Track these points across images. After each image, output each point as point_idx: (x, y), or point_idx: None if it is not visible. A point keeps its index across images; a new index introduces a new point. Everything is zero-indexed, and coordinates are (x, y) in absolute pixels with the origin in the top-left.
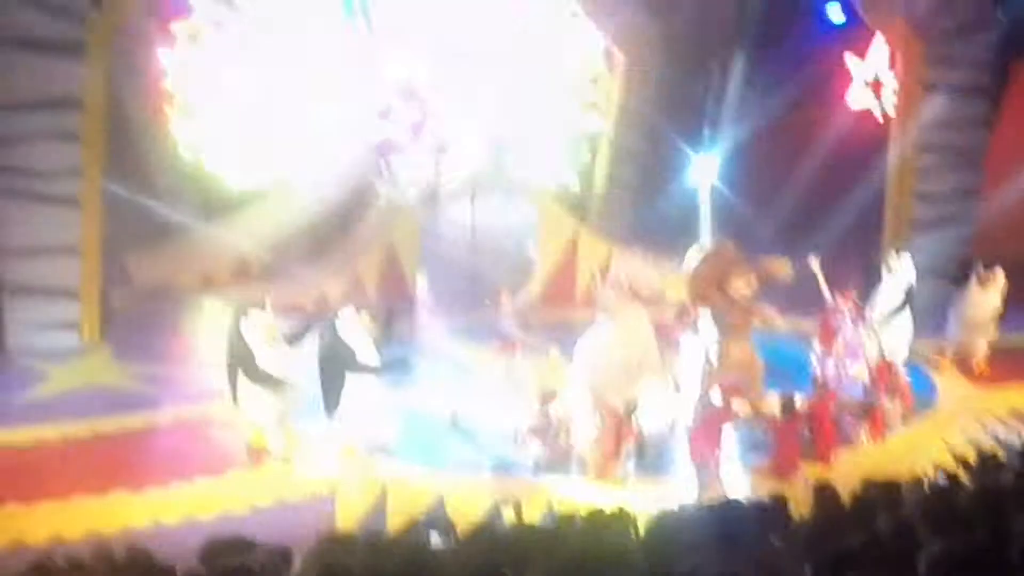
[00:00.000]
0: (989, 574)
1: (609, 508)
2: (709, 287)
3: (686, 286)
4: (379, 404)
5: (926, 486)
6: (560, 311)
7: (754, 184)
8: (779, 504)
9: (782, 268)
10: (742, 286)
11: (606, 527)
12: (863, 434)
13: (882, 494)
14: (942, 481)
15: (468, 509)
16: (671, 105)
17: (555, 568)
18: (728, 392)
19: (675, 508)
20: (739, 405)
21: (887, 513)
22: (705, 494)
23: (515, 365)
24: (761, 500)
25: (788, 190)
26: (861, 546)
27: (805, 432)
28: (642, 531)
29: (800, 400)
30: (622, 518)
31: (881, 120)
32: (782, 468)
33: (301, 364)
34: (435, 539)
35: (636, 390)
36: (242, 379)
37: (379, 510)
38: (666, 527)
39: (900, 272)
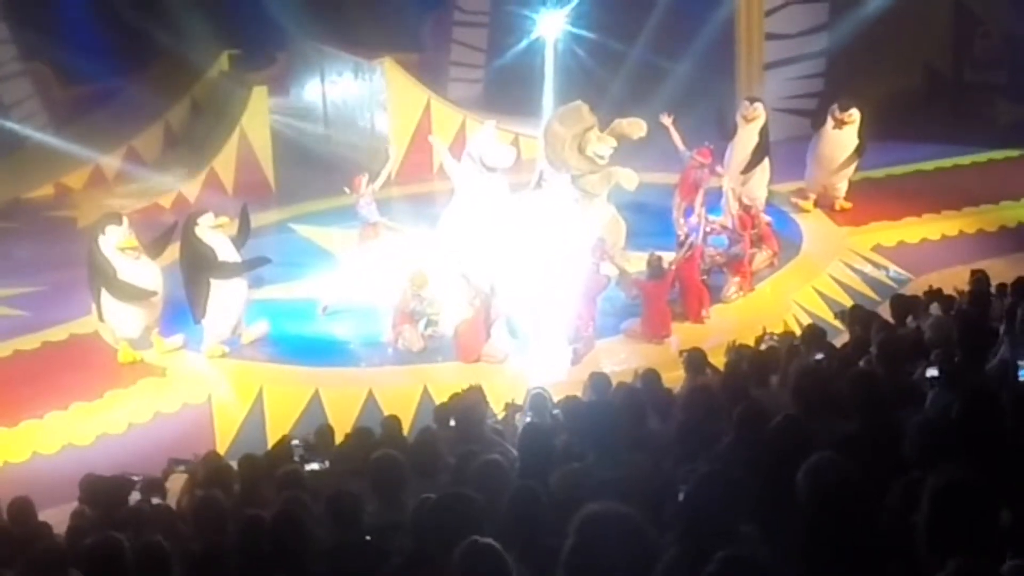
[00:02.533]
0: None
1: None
2: (567, 151)
3: (544, 150)
4: (245, 303)
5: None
6: (418, 186)
7: (603, 40)
8: (651, 378)
9: (637, 127)
10: (600, 148)
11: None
12: (733, 287)
13: (752, 366)
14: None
15: (344, 402)
16: None
17: (417, 516)
18: (595, 256)
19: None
20: (607, 269)
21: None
22: (579, 363)
23: (379, 249)
24: (633, 385)
25: (637, 44)
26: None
27: (674, 292)
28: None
29: (667, 259)
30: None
31: None
32: (654, 330)
33: (162, 274)
34: (313, 466)
35: (500, 265)
36: (105, 295)
37: (256, 414)
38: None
39: (755, 119)
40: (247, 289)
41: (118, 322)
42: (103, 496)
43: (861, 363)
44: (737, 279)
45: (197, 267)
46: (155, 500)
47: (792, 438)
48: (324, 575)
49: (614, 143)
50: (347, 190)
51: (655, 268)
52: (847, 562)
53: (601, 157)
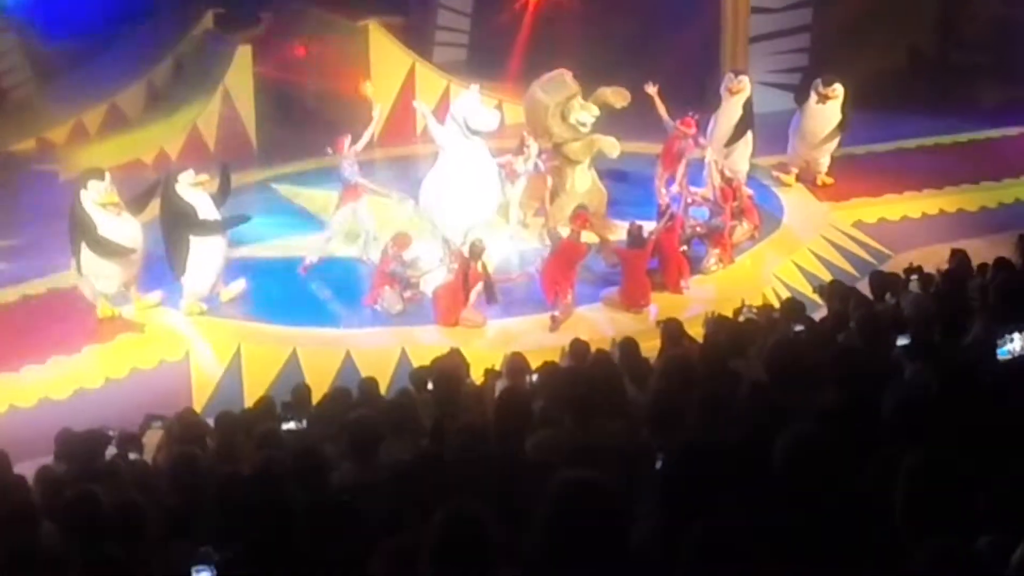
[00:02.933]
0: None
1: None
2: (550, 118)
3: (527, 117)
4: (224, 261)
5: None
6: (400, 149)
7: (588, 8)
8: (629, 346)
9: (620, 96)
10: (583, 115)
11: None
12: (712, 258)
13: (731, 338)
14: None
15: (322, 362)
16: None
17: (396, 477)
18: (575, 224)
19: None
20: (587, 236)
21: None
22: (556, 329)
23: (360, 211)
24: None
25: (622, 13)
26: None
27: (654, 261)
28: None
29: (647, 228)
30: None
31: None
32: (632, 299)
33: (142, 230)
34: (291, 425)
35: (481, 230)
36: (84, 250)
37: (234, 372)
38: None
39: (739, 92)
40: (226, 247)
41: (96, 277)
42: (79, 450)
43: (839, 337)
44: (717, 251)
45: (177, 224)
46: (131, 455)
47: (762, 408)
48: (298, 535)
49: (597, 111)
50: (330, 151)
51: (635, 237)
52: (825, 533)
53: (583, 125)
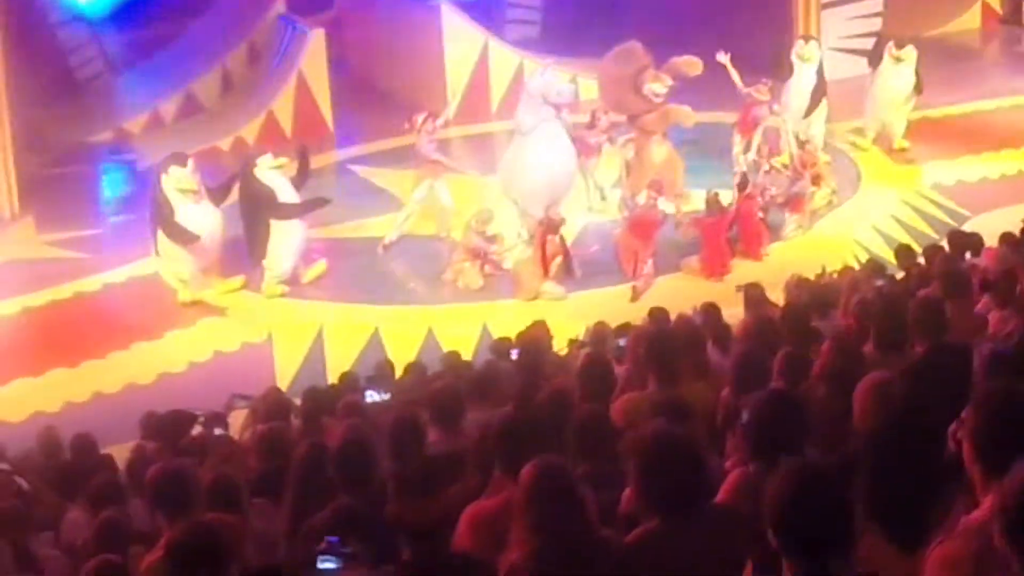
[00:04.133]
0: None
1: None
2: (623, 90)
3: (600, 91)
4: (304, 243)
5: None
6: (475, 127)
7: None
8: (711, 312)
9: (692, 65)
10: (656, 86)
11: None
12: (792, 224)
13: (813, 298)
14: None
15: (404, 340)
16: None
17: (481, 439)
18: (652, 193)
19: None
20: (664, 205)
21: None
22: (637, 299)
23: (438, 188)
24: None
25: None
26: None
27: (733, 230)
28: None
29: (725, 197)
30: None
31: None
32: (712, 267)
33: (222, 216)
34: (373, 396)
35: (560, 204)
36: (161, 235)
37: (316, 352)
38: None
39: (810, 59)
40: (306, 229)
41: (173, 262)
42: (165, 429)
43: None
44: (796, 217)
45: (256, 208)
46: (217, 431)
47: (846, 361)
48: (388, 501)
49: (670, 82)
50: (407, 126)
51: (713, 206)
52: (909, 485)
53: (657, 96)
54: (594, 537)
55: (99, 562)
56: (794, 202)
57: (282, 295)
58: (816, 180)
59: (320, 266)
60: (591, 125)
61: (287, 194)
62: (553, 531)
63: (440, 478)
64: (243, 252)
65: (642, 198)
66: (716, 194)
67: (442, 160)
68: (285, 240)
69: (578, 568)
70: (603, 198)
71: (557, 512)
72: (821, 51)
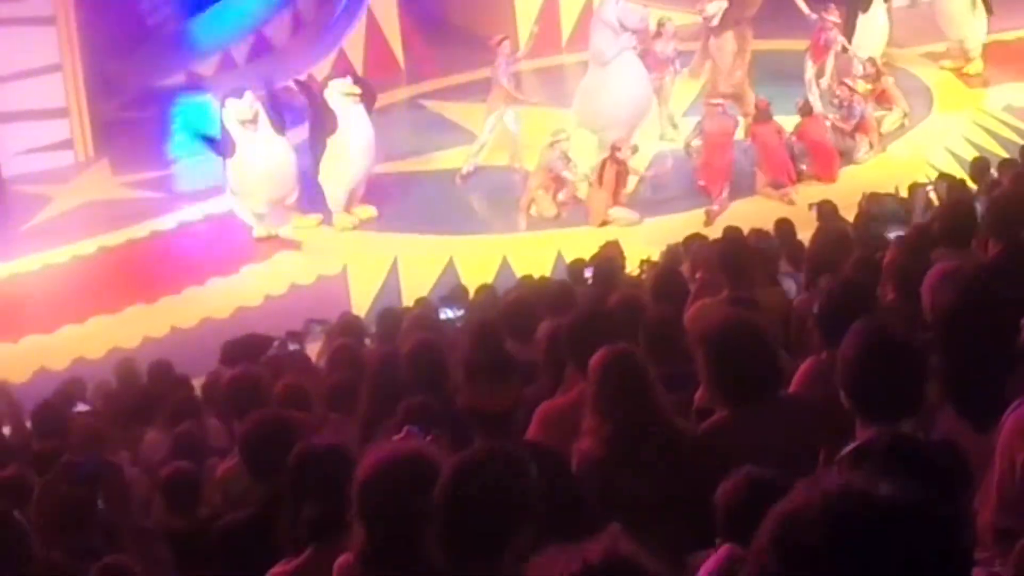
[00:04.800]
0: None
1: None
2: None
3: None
4: (362, 175)
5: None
6: (546, 60)
7: None
8: (785, 228)
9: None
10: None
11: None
12: (863, 147)
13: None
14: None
15: (479, 268)
16: None
17: (553, 336)
18: (717, 101)
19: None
20: (732, 111)
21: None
22: (711, 223)
23: (508, 119)
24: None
25: None
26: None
27: (800, 148)
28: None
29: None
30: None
31: None
32: (773, 173)
33: (290, 150)
34: (448, 313)
35: (634, 131)
36: (230, 169)
37: (391, 284)
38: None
39: None
40: (364, 160)
41: (245, 196)
42: (241, 352)
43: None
44: (867, 138)
45: (321, 129)
46: (292, 347)
47: (914, 259)
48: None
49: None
50: (492, 43)
51: (761, 111)
52: (983, 366)
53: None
54: (666, 424)
55: (173, 469)
56: (862, 124)
57: (354, 227)
58: (885, 100)
59: (369, 210)
60: (657, 35)
61: (358, 122)
62: (624, 416)
63: (513, 368)
64: (320, 190)
65: (710, 119)
66: (765, 100)
67: (513, 91)
68: (337, 166)
69: (649, 454)
70: (674, 126)
71: (628, 397)
72: None
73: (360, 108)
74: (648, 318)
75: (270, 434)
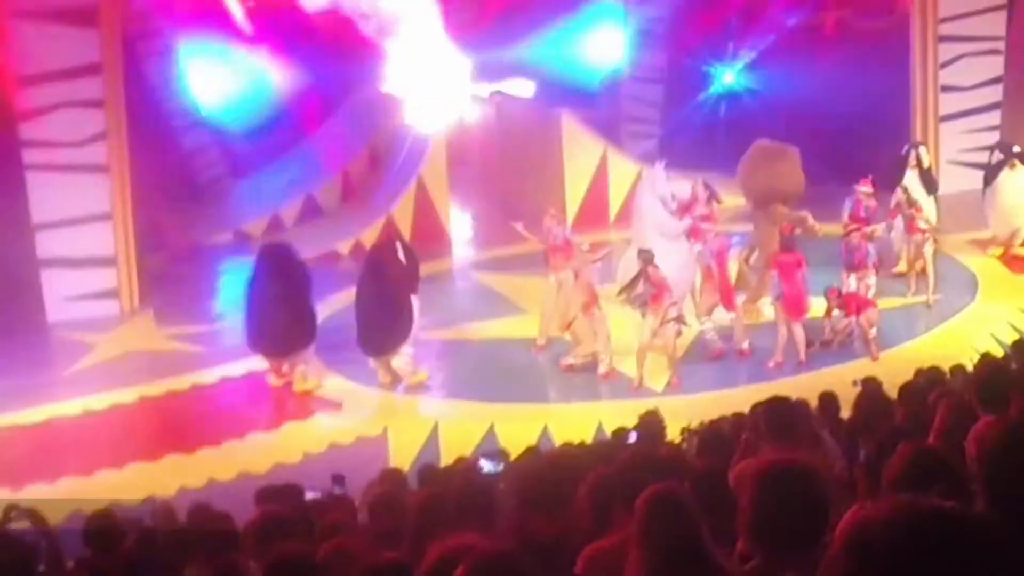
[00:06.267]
0: None
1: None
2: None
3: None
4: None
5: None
6: (594, 235)
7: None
8: (829, 401)
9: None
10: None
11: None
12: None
13: (926, 381)
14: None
15: (519, 436)
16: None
17: (602, 479)
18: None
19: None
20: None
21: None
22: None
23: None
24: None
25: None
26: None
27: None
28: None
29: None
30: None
31: None
32: (790, 308)
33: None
34: (488, 467)
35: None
36: None
37: (431, 448)
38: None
39: (921, 164)
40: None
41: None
42: (275, 496)
43: None
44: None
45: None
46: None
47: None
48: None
49: None
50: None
51: (785, 239)
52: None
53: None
54: (709, 560)
55: None
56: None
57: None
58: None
59: (422, 375)
60: (692, 201)
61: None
62: (667, 550)
63: (565, 500)
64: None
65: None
66: (790, 228)
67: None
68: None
69: None
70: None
71: (672, 532)
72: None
73: None
74: (694, 468)
75: (293, 567)
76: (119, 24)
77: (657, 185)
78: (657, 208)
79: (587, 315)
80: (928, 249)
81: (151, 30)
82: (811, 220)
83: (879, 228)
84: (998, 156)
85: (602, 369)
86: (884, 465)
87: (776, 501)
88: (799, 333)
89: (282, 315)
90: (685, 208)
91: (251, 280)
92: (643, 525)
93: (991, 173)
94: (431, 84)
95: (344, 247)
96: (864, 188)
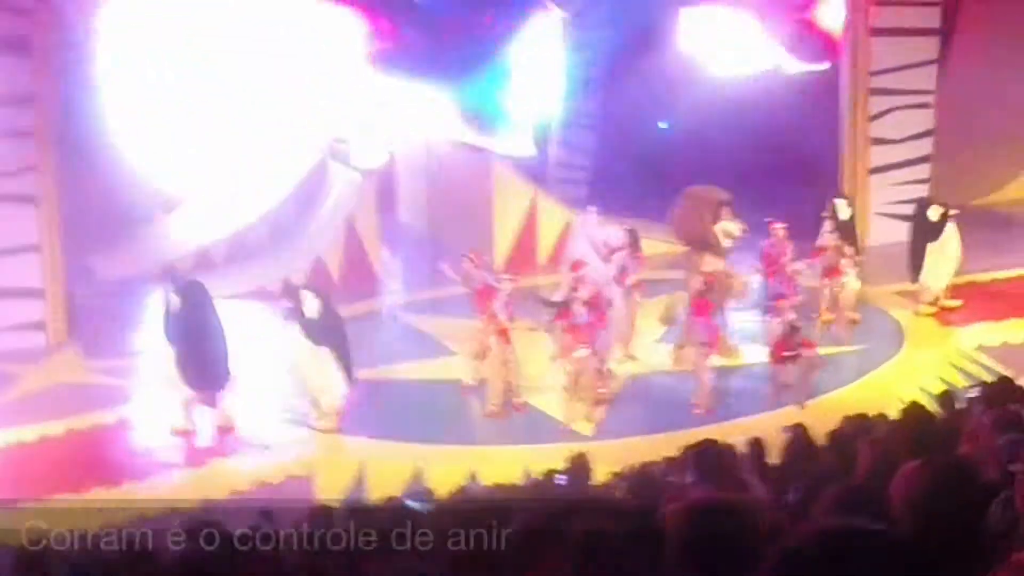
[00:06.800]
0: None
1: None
2: (697, 218)
3: (674, 217)
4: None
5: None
6: (523, 280)
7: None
8: (756, 447)
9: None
10: (731, 227)
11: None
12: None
13: (853, 427)
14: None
15: (446, 478)
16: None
17: (533, 522)
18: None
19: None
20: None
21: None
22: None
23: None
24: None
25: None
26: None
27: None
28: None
29: None
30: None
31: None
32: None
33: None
34: (414, 506)
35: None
36: None
37: (358, 487)
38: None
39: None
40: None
41: None
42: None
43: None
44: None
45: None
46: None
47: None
48: None
49: (741, 231)
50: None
51: (703, 290)
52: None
53: (727, 237)
54: None
55: None
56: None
57: (326, 430)
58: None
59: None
60: (623, 246)
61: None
62: None
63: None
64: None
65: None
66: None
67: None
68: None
69: None
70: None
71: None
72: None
73: None
74: (625, 507)
75: None
76: (53, 54)
77: (588, 230)
78: (589, 254)
79: (498, 345)
80: (851, 283)
81: (85, 59)
82: (740, 279)
83: (800, 265)
84: (938, 210)
85: (515, 400)
86: (812, 507)
87: (708, 536)
88: (707, 378)
89: (222, 348)
90: (613, 253)
91: (187, 313)
92: (579, 566)
93: (934, 228)
94: (361, 124)
95: (274, 287)
96: (779, 226)
